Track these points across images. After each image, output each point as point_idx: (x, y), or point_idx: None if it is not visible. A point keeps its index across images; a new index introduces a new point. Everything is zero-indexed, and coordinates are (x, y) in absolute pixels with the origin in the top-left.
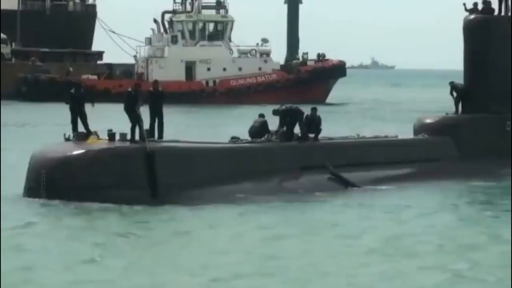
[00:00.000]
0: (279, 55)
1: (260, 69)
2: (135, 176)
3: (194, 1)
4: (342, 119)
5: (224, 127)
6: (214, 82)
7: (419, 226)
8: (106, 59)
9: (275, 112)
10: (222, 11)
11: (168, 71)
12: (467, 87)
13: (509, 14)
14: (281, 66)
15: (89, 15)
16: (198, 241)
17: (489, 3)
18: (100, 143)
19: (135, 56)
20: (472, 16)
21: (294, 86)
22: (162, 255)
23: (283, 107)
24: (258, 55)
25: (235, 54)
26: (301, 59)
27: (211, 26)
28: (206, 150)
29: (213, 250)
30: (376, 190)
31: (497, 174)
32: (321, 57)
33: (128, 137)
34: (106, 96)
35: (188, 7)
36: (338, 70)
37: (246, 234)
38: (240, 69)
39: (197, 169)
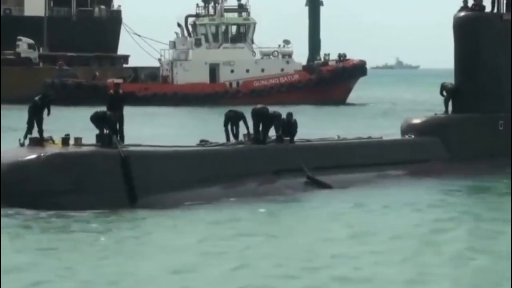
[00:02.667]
0: (301, 56)
1: (282, 70)
2: (91, 181)
3: (217, 5)
4: (363, 119)
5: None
6: (238, 83)
7: (400, 230)
8: (132, 62)
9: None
10: (244, 14)
11: (193, 74)
12: (458, 86)
13: (502, 11)
14: (303, 66)
15: (114, 20)
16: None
17: (480, 0)
18: (55, 147)
19: (159, 60)
20: (462, 13)
21: (316, 86)
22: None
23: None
24: (280, 56)
25: (258, 56)
26: (322, 59)
27: (233, 29)
28: (172, 154)
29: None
30: (354, 193)
31: (488, 174)
32: (342, 57)
33: (84, 141)
34: (131, 100)
35: (211, 11)
36: (359, 69)
37: (212, 241)
38: (262, 70)
39: (162, 173)
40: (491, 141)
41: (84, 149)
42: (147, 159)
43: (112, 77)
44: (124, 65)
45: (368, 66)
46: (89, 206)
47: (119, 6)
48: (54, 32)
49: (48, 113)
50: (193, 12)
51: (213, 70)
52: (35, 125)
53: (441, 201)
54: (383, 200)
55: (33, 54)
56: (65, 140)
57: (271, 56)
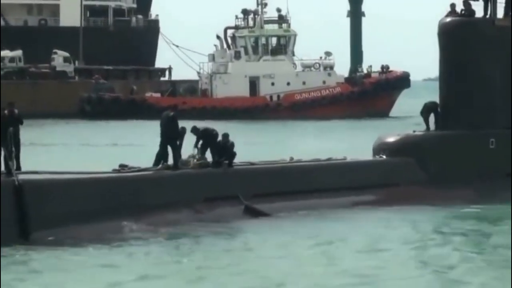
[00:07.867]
0: (343, 68)
1: (324, 82)
2: None
3: (256, 16)
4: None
5: (291, 142)
6: (278, 96)
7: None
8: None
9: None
10: (284, 25)
11: (232, 87)
12: (443, 99)
13: (496, 16)
14: (345, 79)
15: (152, 30)
16: None
17: (469, 4)
18: None
19: (198, 73)
20: (448, 19)
21: (359, 98)
22: None
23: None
24: (321, 68)
25: (299, 68)
26: (365, 71)
27: (273, 41)
28: (76, 182)
29: None
30: (293, 223)
31: (472, 199)
32: (385, 69)
33: None
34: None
35: (251, 22)
36: (402, 81)
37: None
38: (304, 83)
39: (63, 205)
40: (479, 162)
41: None
42: (45, 188)
43: (150, 90)
44: (162, 78)
45: (419, 78)
46: None
47: (157, 15)
48: (90, 43)
49: None
50: (232, 24)
51: (253, 83)
52: None
53: (399, 233)
54: (325, 231)
55: (69, 68)
56: None
57: (312, 68)
